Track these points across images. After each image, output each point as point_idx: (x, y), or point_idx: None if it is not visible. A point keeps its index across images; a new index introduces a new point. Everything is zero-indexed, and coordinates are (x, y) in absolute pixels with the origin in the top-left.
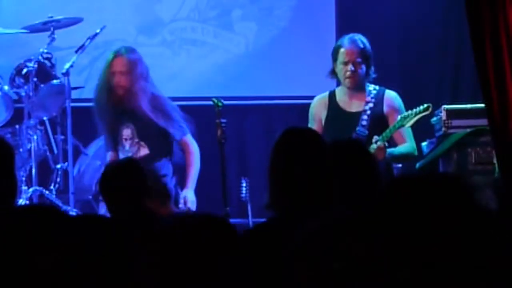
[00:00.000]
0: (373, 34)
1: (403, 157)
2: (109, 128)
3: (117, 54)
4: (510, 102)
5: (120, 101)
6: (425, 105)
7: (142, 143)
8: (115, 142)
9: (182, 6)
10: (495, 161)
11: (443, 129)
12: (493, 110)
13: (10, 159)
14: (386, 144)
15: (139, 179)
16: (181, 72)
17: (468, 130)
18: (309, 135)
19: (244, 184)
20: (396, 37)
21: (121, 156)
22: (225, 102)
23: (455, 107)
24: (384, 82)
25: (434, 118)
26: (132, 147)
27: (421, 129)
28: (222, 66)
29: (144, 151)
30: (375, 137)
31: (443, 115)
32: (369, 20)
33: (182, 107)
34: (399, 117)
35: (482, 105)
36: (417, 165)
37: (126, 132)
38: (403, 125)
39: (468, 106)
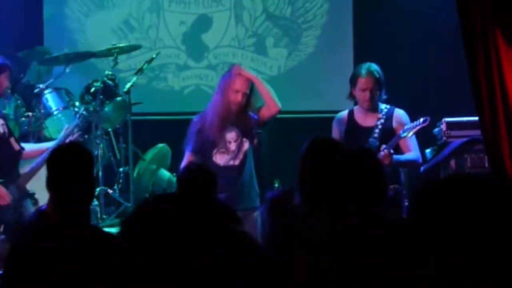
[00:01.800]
0: (385, 59)
1: (408, 164)
2: (215, 135)
3: (239, 74)
4: (499, 118)
5: (232, 114)
6: (423, 119)
7: (244, 139)
8: (212, 146)
9: (225, 35)
10: (487, 165)
11: (444, 138)
12: (485, 123)
13: (90, 165)
14: (392, 151)
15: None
16: None
17: (465, 139)
18: (331, 143)
19: (276, 184)
20: (404, 60)
21: (226, 157)
22: None
23: (454, 120)
24: (394, 98)
25: (436, 129)
26: (238, 146)
27: (425, 138)
28: None
29: (246, 145)
30: (383, 146)
31: (444, 126)
32: (382, 48)
33: None
34: (401, 131)
35: (477, 118)
36: (421, 169)
37: (230, 135)
38: (405, 136)
39: (465, 119)
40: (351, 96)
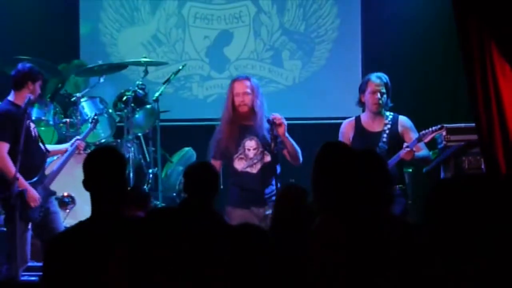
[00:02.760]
0: (391, 71)
1: (424, 159)
2: (228, 141)
3: (238, 79)
4: (494, 124)
5: (244, 117)
6: (439, 126)
7: (265, 152)
8: (231, 152)
9: (244, 48)
10: (483, 166)
11: (444, 142)
12: (482, 129)
13: (123, 166)
14: (414, 149)
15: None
16: None
17: (463, 143)
18: (342, 147)
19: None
20: (408, 72)
21: (244, 163)
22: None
23: (453, 126)
24: (399, 106)
25: (437, 134)
26: (257, 155)
27: (427, 142)
28: (275, 94)
29: (267, 158)
30: (405, 144)
31: (444, 132)
32: (387, 61)
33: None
34: (420, 133)
35: (473, 124)
36: (424, 170)
37: (250, 144)
38: (421, 140)
39: (463, 125)
40: (360, 103)
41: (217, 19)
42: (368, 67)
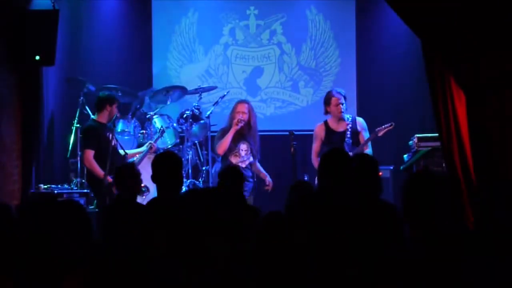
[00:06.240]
0: (377, 95)
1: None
2: (231, 142)
3: (241, 102)
4: (453, 134)
5: (242, 128)
6: (390, 123)
7: (250, 154)
8: (230, 150)
9: (271, 79)
10: (444, 165)
11: (415, 147)
12: (443, 138)
13: (180, 165)
14: (364, 148)
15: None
16: (271, 116)
17: (429, 148)
18: (342, 152)
19: (306, 178)
20: (390, 96)
21: (238, 159)
22: (295, 133)
23: (422, 135)
24: (384, 120)
25: (410, 142)
26: (247, 155)
27: (404, 147)
28: (294, 113)
29: (251, 158)
30: (364, 139)
31: (415, 139)
32: (376, 89)
33: (272, 135)
34: (376, 129)
35: (437, 134)
36: (401, 167)
37: (243, 146)
38: (378, 133)
39: (429, 135)
40: (327, 112)
41: (252, 58)
42: (361, 94)
